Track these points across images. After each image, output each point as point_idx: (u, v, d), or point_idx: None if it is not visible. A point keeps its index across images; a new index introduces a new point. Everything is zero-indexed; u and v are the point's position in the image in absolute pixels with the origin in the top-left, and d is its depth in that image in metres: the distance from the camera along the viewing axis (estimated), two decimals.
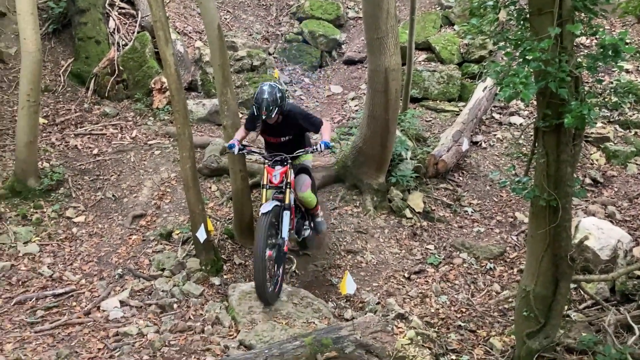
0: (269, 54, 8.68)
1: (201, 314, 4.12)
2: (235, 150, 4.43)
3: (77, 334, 3.82)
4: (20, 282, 4.40)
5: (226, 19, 9.18)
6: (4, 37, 7.69)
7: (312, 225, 5.03)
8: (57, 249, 4.90)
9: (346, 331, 3.55)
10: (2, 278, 4.40)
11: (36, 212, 5.27)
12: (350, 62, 8.80)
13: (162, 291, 4.33)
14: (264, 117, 4.29)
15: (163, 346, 3.64)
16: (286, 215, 4.44)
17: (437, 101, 7.72)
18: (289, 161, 4.47)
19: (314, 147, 4.54)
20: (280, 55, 8.88)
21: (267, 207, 4.24)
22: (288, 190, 4.44)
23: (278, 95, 4.27)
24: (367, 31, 5.46)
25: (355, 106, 7.71)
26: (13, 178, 5.41)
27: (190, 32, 8.66)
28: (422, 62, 8.16)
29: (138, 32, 7.99)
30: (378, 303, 4.69)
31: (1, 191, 5.33)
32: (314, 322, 4.04)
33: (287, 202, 4.43)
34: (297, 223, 4.87)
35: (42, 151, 6.01)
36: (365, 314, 4.32)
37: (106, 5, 8.21)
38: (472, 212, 5.98)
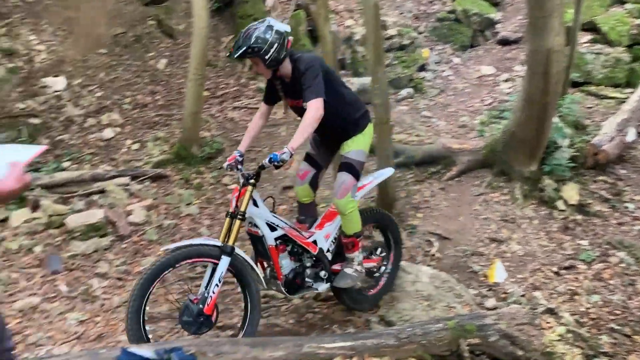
0: (419, 33, 8.55)
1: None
2: (224, 165, 3.43)
3: (230, 293, 4.12)
4: (182, 240, 4.83)
5: None
6: (174, 15, 8.36)
7: (329, 276, 3.52)
8: (214, 212, 5.29)
9: (491, 320, 3.46)
10: (167, 234, 4.86)
11: (197, 177, 5.73)
12: (504, 42, 8.40)
13: None
14: (229, 54, 3.36)
15: (307, 312, 3.81)
16: (222, 262, 3.05)
17: (601, 86, 7.13)
18: (252, 180, 3.18)
19: (263, 163, 3.07)
20: (430, 34, 8.71)
21: (176, 245, 3.10)
22: (237, 222, 3.12)
23: (262, 34, 3.12)
24: (530, 9, 5.16)
25: (508, 88, 7.36)
26: (179, 145, 5.91)
27: (341, 11, 8.78)
28: (586, 44, 7.56)
29: (294, 11, 8.26)
30: (523, 295, 4.50)
31: (168, 156, 5.86)
32: (455, 307, 3.98)
33: (230, 241, 3.08)
34: (296, 268, 3.45)
35: (203, 121, 6.48)
36: (508, 305, 4.18)
37: None
38: (634, 208, 5.48)
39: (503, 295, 4.58)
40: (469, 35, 8.56)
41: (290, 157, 3.00)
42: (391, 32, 7.89)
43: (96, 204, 5.05)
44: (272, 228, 3.32)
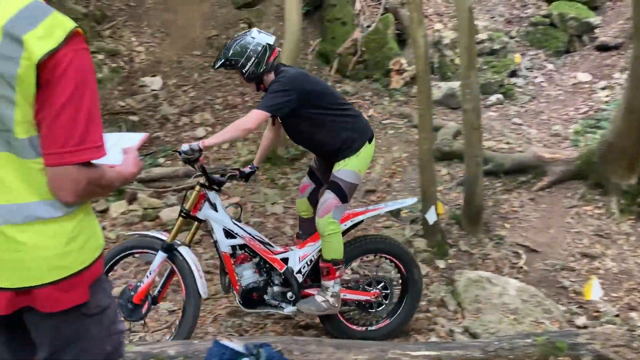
0: (511, 37, 8.29)
1: (426, 294, 4.18)
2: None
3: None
4: (268, 237, 4.93)
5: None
6: (265, 18, 8.58)
7: (296, 298, 3.34)
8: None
9: (583, 339, 3.30)
10: None
11: (282, 178, 5.85)
12: (603, 47, 7.98)
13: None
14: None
15: None
16: (157, 256, 3.13)
17: None
18: (202, 180, 3.25)
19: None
20: (523, 39, 8.42)
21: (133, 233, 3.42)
22: (180, 219, 3.22)
23: (241, 47, 3.07)
24: (635, 13, 4.89)
25: (605, 97, 7.00)
26: None
27: (430, 15, 8.68)
28: None
29: (382, 14, 8.26)
30: (617, 315, 4.26)
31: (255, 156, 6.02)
32: (543, 323, 3.84)
33: (170, 238, 3.16)
34: (258, 283, 3.33)
35: None
36: (601, 324, 3.97)
37: None
38: None
39: (595, 314, 4.35)
40: (564, 40, 8.20)
41: (200, 152, 2.94)
42: (482, 36, 7.70)
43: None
44: (230, 235, 3.26)
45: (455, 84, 6.89)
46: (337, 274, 3.27)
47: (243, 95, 7.28)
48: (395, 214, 5.30)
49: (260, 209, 5.37)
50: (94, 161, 1.46)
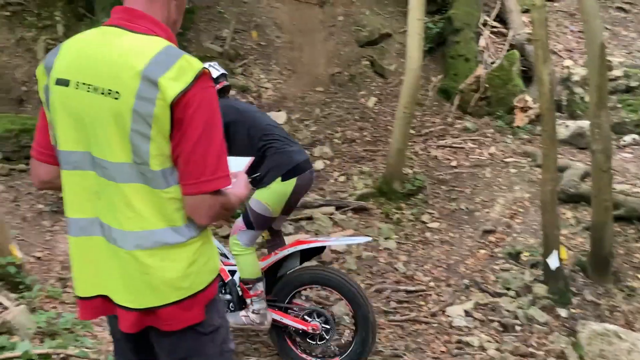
0: None
1: (544, 343, 3.95)
2: None
3: (422, 332, 4.09)
4: (379, 273, 4.95)
5: (603, 35, 8.52)
6: (387, 56, 8.74)
7: (235, 309, 3.53)
8: (412, 249, 5.33)
9: None
10: (365, 266, 5.03)
11: (397, 213, 5.83)
12: None
13: (506, 310, 4.30)
14: None
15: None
16: None
17: None
18: None
19: None
20: None
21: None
22: None
23: None
24: None
25: None
26: (382, 179, 6.11)
27: (560, 51, 8.35)
28: None
29: (507, 51, 8.08)
30: None
31: (371, 190, 6.08)
32: None
33: None
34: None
35: (407, 158, 6.61)
36: None
37: (479, 24, 8.54)
38: None
39: None
40: None
41: None
42: (617, 72, 7.25)
43: (304, 229, 5.44)
44: None
45: (585, 123, 6.52)
46: (252, 292, 3.39)
47: (362, 131, 7.42)
48: (514, 257, 5.08)
49: (373, 242, 5.39)
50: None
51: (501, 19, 8.83)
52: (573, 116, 7.22)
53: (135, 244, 1.57)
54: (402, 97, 5.80)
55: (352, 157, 6.86)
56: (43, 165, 1.73)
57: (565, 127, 6.89)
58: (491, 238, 5.46)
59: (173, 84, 1.48)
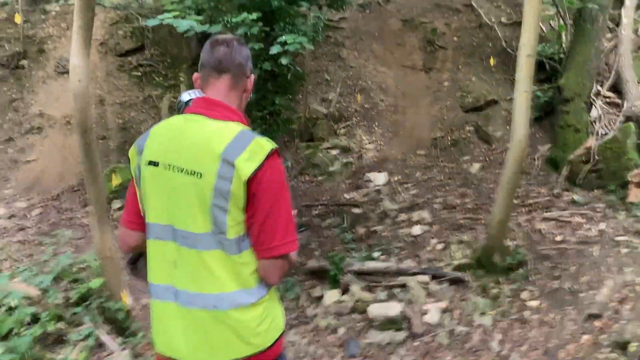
0: None
1: None
2: None
3: None
4: (472, 350, 4.78)
5: None
6: (493, 122, 8.65)
7: None
8: (508, 328, 5.10)
9: None
10: (458, 341, 4.88)
11: (495, 287, 5.64)
12: None
13: None
14: None
15: None
16: None
17: None
18: None
19: None
20: None
21: None
22: None
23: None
24: None
25: None
26: (481, 251, 5.95)
27: None
28: None
29: (622, 122, 7.71)
30: None
31: (469, 260, 5.94)
32: None
33: None
34: None
35: (509, 230, 6.42)
36: None
37: (591, 95, 8.26)
38: None
39: None
40: None
41: None
42: None
43: (396, 297, 5.40)
44: None
45: None
46: None
47: (463, 197, 7.32)
48: (621, 346, 4.70)
49: (467, 317, 5.24)
50: None
51: (616, 89, 8.47)
52: None
53: (214, 304, 1.79)
54: (507, 168, 5.69)
55: (451, 224, 6.77)
56: (132, 233, 2.00)
57: None
58: (596, 323, 5.10)
59: (247, 164, 1.73)
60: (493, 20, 10.31)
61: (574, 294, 5.54)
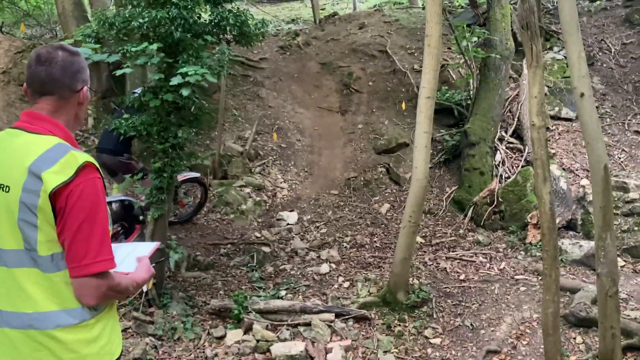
0: None
1: None
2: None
3: None
4: None
5: (620, 157, 8.54)
6: (403, 164, 8.87)
7: None
8: None
9: None
10: None
11: (399, 325, 5.65)
12: None
13: None
14: None
15: None
16: None
17: None
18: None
19: None
20: None
21: None
22: None
23: None
24: None
25: None
26: (386, 289, 5.98)
27: (577, 170, 8.35)
28: None
29: (522, 166, 8.12)
30: None
31: (375, 299, 5.94)
32: None
33: None
34: None
35: (414, 268, 6.51)
36: None
37: (495, 139, 8.68)
38: None
39: None
40: None
41: None
42: (633, 195, 7.18)
43: (300, 336, 5.29)
44: None
45: None
46: None
47: (372, 236, 7.39)
48: None
49: (371, 355, 5.19)
50: (111, 270, 1.75)
51: (518, 135, 8.96)
52: (588, 236, 7.07)
53: (29, 324, 1.68)
54: (408, 207, 5.81)
55: (359, 262, 6.79)
56: None
57: (579, 247, 6.75)
58: (495, 358, 5.20)
59: (55, 177, 1.65)
60: (407, 66, 10.73)
61: (475, 331, 5.64)
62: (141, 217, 5.74)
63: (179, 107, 4.94)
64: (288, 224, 7.62)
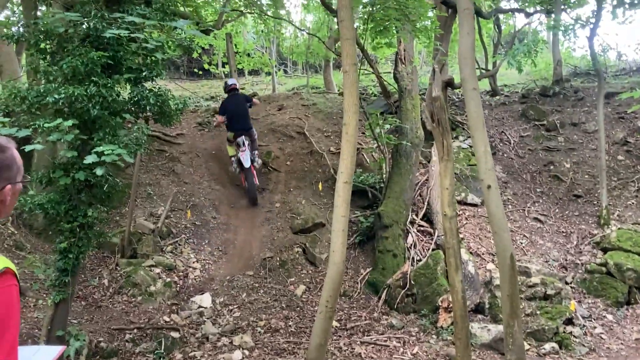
0: (566, 283, 8.08)
1: None
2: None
3: None
4: None
5: (521, 243, 9.04)
6: (319, 245, 8.90)
7: None
8: None
9: None
10: None
11: None
12: None
13: None
14: None
15: None
16: None
17: None
18: None
19: None
20: (579, 286, 8.18)
21: None
22: None
23: None
24: None
25: None
26: None
27: (483, 254, 8.72)
28: None
29: (433, 250, 8.38)
30: None
31: None
32: None
33: None
34: None
35: (329, 354, 6.39)
36: None
37: (407, 222, 8.95)
38: None
39: None
40: (624, 291, 7.89)
41: None
42: (534, 280, 7.55)
43: None
44: None
45: None
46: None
47: (287, 320, 7.23)
48: None
49: None
50: None
51: (428, 218, 9.30)
52: (495, 320, 7.30)
53: None
54: (325, 291, 5.76)
55: (273, 348, 6.58)
56: None
57: (487, 331, 6.93)
58: None
59: None
60: (323, 148, 11.02)
61: None
62: None
63: (91, 185, 4.74)
64: (200, 307, 7.32)
